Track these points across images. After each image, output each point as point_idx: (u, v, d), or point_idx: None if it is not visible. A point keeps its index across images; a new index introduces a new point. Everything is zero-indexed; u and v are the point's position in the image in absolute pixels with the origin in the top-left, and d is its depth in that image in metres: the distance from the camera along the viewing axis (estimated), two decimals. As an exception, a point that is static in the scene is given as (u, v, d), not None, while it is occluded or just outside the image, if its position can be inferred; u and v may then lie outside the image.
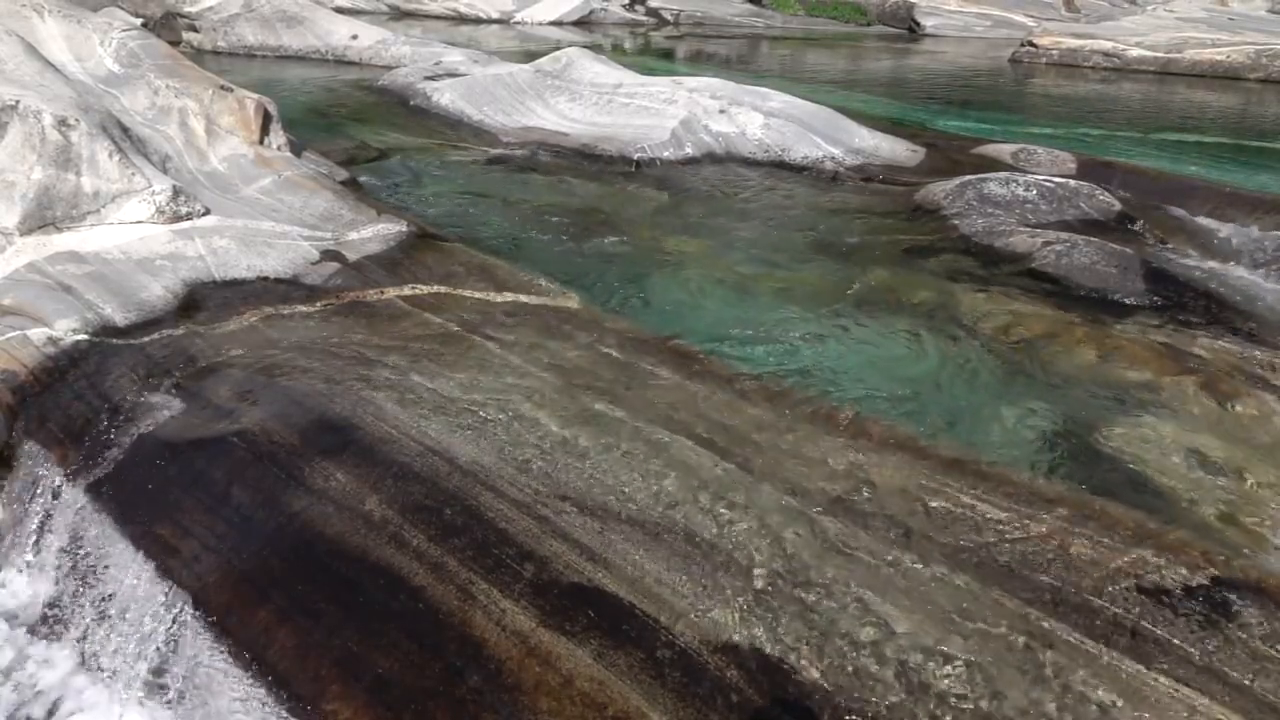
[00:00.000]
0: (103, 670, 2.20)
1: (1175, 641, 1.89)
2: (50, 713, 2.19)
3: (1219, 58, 13.27)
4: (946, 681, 1.80)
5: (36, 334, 2.90)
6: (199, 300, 3.26)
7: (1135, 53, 13.67)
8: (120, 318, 3.07)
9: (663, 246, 4.61)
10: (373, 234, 4.02)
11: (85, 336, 2.94)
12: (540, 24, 16.43)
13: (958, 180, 5.39)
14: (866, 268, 4.39)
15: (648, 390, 2.78)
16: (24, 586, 2.42)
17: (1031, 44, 14.66)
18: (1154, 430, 2.97)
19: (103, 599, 2.27)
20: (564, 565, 2.06)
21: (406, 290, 3.45)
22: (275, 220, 3.96)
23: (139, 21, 6.14)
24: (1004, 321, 3.76)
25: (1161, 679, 1.80)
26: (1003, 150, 6.55)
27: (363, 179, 5.29)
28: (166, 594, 2.13)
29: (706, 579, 2.03)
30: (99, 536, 2.33)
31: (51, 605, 2.36)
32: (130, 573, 2.22)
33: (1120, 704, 1.75)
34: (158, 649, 2.10)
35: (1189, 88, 12.35)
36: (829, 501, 2.28)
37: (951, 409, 3.15)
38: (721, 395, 2.77)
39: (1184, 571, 2.07)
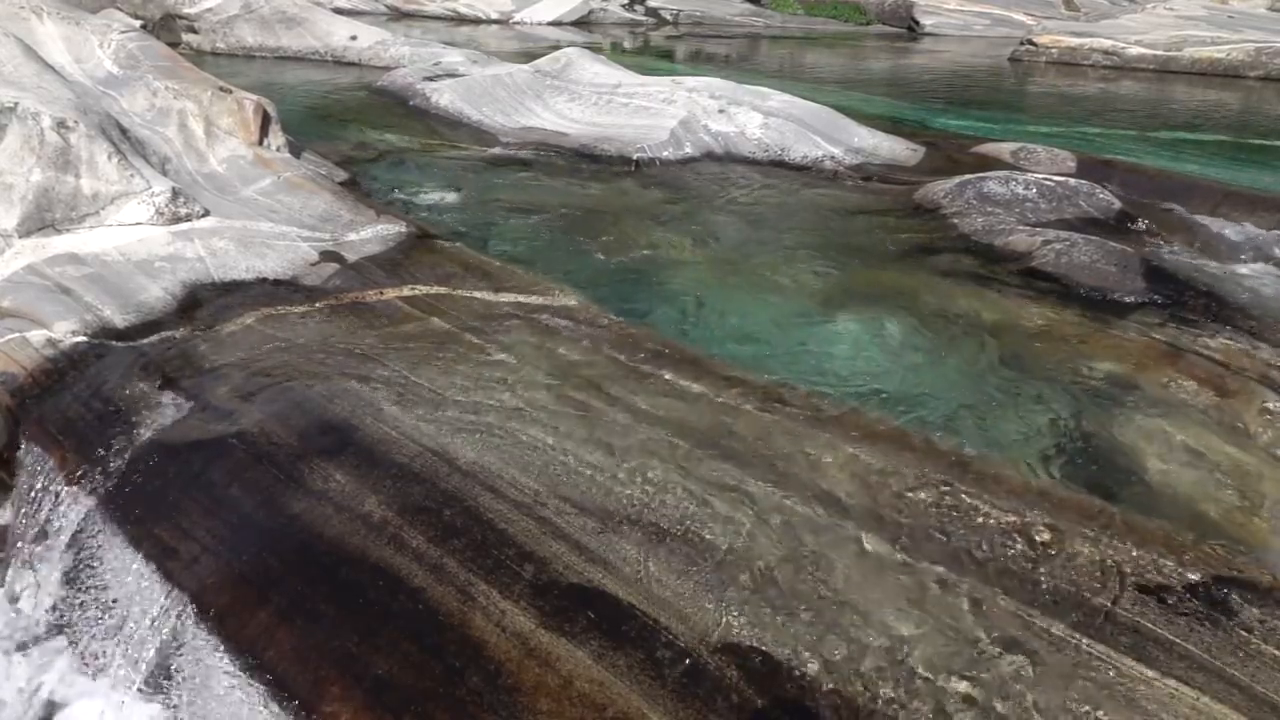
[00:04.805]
0: (103, 672, 2.20)
1: (1176, 640, 1.89)
2: (51, 715, 2.19)
3: (1219, 56, 13.25)
4: (947, 682, 1.80)
5: (36, 336, 2.90)
6: (198, 302, 3.26)
7: (1135, 51, 13.65)
8: (119, 319, 3.07)
9: (662, 246, 4.61)
10: (372, 235, 4.02)
11: (84, 338, 2.94)
12: (539, 24, 16.42)
13: (957, 179, 5.38)
14: (866, 267, 4.39)
15: (647, 390, 2.78)
16: (26, 588, 2.42)
17: (1031, 43, 14.64)
18: (1154, 428, 2.97)
19: (103, 601, 2.27)
20: (564, 566, 2.05)
21: (406, 291, 3.45)
22: (274, 221, 3.96)
23: (138, 23, 6.15)
24: (1003, 320, 3.76)
25: (1162, 678, 1.80)
26: (1002, 149, 6.54)
27: (362, 179, 5.29)
28: (166, 595, 2.13)
29: (706, 579, 2.03)
30: (99, 538, 2.33)
31: (53, 607, 2.36)
32: (130, 574, 2.22)
33: (1121, 703, 1.75)
34: (157, 651, 2.10)
35: (1189, 86, 12.33)
36: (829, 501, 2.28)
37: (950, 407, 3.14)
38: (721, 394, 2.77)
39: (1184, 570, 2.07)
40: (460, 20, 16.41)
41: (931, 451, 2.50)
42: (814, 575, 2.04)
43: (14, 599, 2.43)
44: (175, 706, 2.04)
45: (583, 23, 17.17)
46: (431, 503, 2.22)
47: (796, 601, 1.97)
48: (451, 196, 5.36)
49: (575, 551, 2.10)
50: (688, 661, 1.84)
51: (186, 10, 10.63)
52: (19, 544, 2.47)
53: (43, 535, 2.43)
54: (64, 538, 2.38)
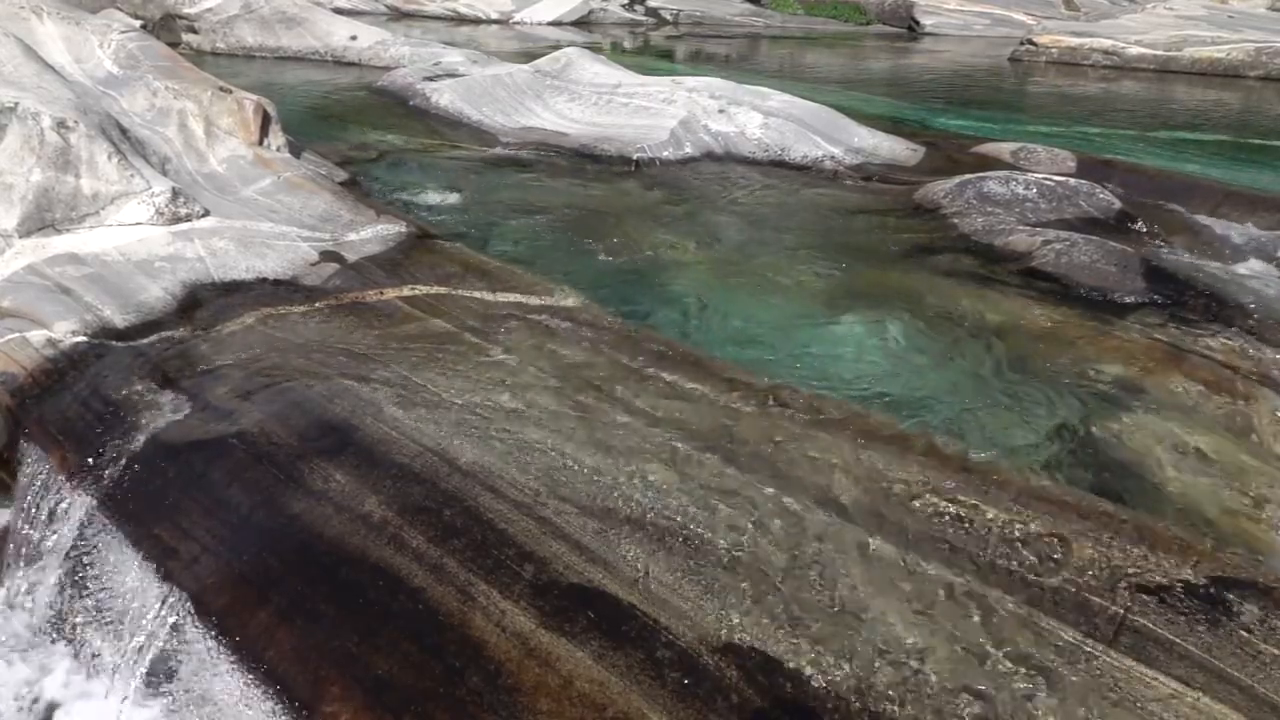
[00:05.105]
0: (103, 672, 2.20)
1: (1176, 640, 1.89)
2: (50, 716, 2.19)
3: (1219, 55, 13.24)
4: (947, 682, 1.80)
5: (36, 336, 2.90)
6: (198, 302, 3.26)
7: (1135, 51, 13.65)
8: (119, 319, 3.07)
9: (662, 246, 4.61)
10: (372, 235, 4.02)
11: (84, 338, 2.94)
12: (539, 24, 16.41)
13: (957, 179, 5.38)
14: (866, 267, 4.39)
15: (647, 390, 2.77)
16: (27, 588, 2.42)
17: (1031, 43, 14.64)
18: (1154, 428, 2.97)
19: (103, 601, 2.26)
20: (564, 566, 2.05)
21: (406, 291, 3.45)
22: (274, 221, 3.96)
23: (138, 23, 6.14)
24: (1003, 320, 3.76)
25: (1162, 678, 1.80)
26: (1002, 149, 6.54)
27: (362, 179, 5.29)
28: (166, 595, 2.13)
29: (706, 579, 2.03)
30: (99, 538, 2.33)
31: (54, 607, 2.36)
32: (130, 574, 2.22)
33: (1121, 703, 1.75)
34: (157, 650, 2.10)
35: (1189, 86, 12.33)
36: (829, 502, 2.28)
37: (951, 408, 3.14)
38: (721, 395, 2.77)
39: (1184, 571, 2.07)
40: (460, 20, 16.40)
41: (935, 455, 2.49)
42: (815, 578, 2.04)
43: (13, 600, 2.43)
44: (175, 707, 2.04)
45: (583, 23, 17.16)
46: (431, 503, 2.22)
47: (797, 604, 1.97)
48: (452, 196, 5.36)
49: (575, 551, 2.09)
50: (688, 662, 1.84)
51: (186, 10, 10.63)
52: (19, 544, 2.47)
53: (42, 536, 2.42)
54: (64, 538, 2.38)
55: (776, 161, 6.33)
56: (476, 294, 3.48)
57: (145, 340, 2.98)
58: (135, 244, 3.53)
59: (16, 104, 3.58)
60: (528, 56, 8.80)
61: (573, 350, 3.02)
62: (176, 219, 3.74)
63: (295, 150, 4.97)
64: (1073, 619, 1.93)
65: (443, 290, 3.49)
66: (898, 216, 5.21)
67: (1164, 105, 10.69)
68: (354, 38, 10.40)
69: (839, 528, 2.18)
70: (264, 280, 3.47)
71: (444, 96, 7.34)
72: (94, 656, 2.24)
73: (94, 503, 2.37)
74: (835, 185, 5.96)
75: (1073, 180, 5.35)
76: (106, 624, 2.24)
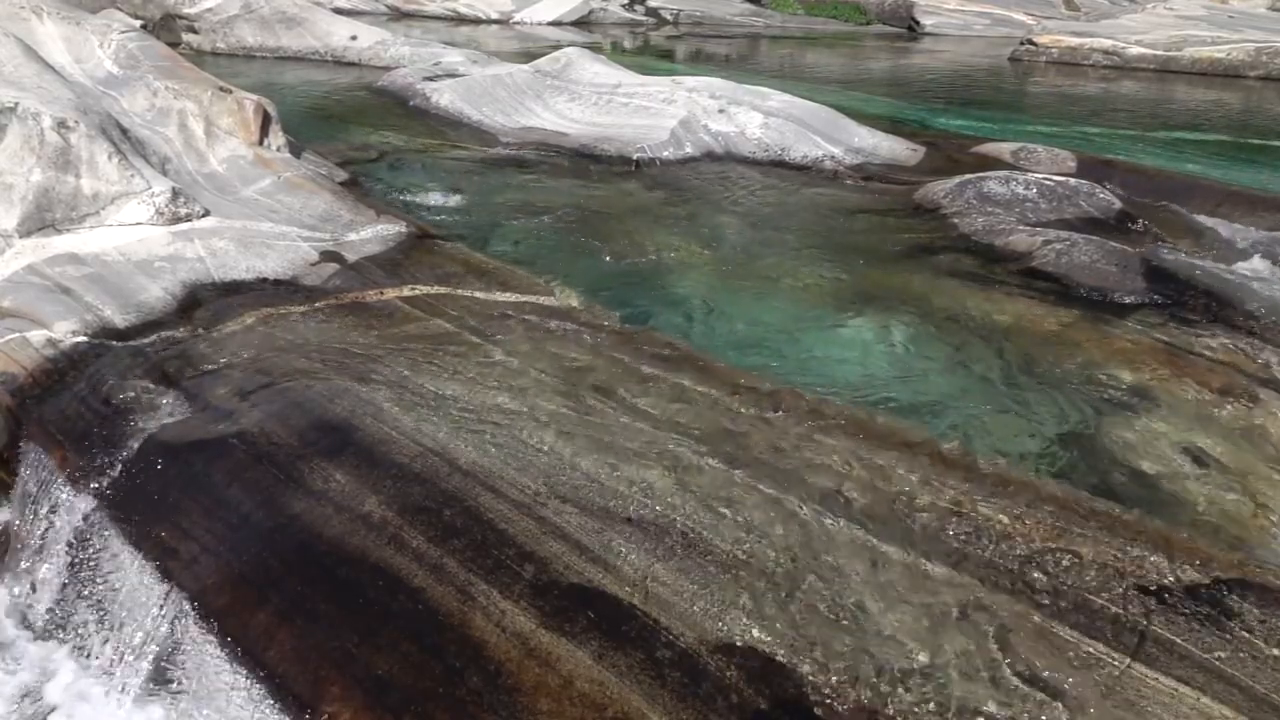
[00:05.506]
0: (103, 672, 2.20)
1: (1177, 641, 1.89)
2: (50, 716, 2.19)
3: (1219, 56, 13.24)
4: (953, 689, 1.79)
5: (36, 336, 2.90)
6: (198, 302, 3.26)
7: (1135, 51, 13.65)
8: (120, 319, 3.07)
9: (662, 246, 4.61)
10: (372, 235, 4.02)
11: (85, 338, 2.94)
12: (539, 24, 16.41)
13: (957, 179, 5.38)
14: (866, 267, 4.39)
15: (648, 391, 2.77)
16: (27, 589, 2.42)
17: (1031, 42, 14.64)
18: (1155, 429, 2.96)
19: (103, 601, 2.26)
20: (564, 566, 2.05)
21: (406, 291, 3.45)
22: (274, 221, 3.96)
23: (138, 23, 6.14)
24: (1004, 320, 3.76)
25: (1162, 678, 1.80)
26: (1002, 149, 6.54)
27: (362, 179, 5.29)
28: (166, 596, 2.13)
29: (706, 579, 2.03)
30: (99, 539, 2.32)
31: (54, 608, 2.36)
32: (130, 575, 2.22)
33: (1121, 704, 1.75)
34: (157, 651, 2.10)
35: (1189, 86, 12.32)
36: (829, 501, 2.27)
37: (951, 408, 3.14)
38: (722, 395, 2.76)
39: (1185, 571, 2.07)
40: (460, 20, 16.40)
41: (942, 459, 2.49)
42: (816, 579, 2.04)
43: (13, 601, 2.43)
44: (175, 707, 2.04)
45: (583, 23, 17.16)
46: (431, 503, 2.22)
47: (798, 605, 1.97)
48: (452, 196, 5.36)
49: (575, 551, 2.09)
50: (688, 663, 1.84)
51: (186, 10, 10.63)
52: (19, 544, 2.47)
53: (42, 536, 2.42)
54: (64, 538, 2.38)
55: (776, 161, 6.33)
56: (477, 294, 3.48)
57: (145, 340, 2.98)
58: (135, 244, 3.53)
59: (17, 104, 3.58)
60: (528, 56, 8.80)
61: (574, 351, 3.02)
62: (176, 219, 3.74)
63: (295, 150, 4.97)
64: (1073, 619, 1.93)
65: (443, 290, 3.49)
66: (898, 216, 5.21)
67: (1164, 105, 10.69)
68: (354, 38, 10.40)
69: (841, 527, 2.18)
70: (264, 280, 3.47)
71: (444, 96, 7.34)
72: (94, 656, 2.24)
73: (94, 502, 2.37)
74: (835, 185, 5.96)
75: (1073, 180, 5.35)
76: (107, 624, 2.23)
